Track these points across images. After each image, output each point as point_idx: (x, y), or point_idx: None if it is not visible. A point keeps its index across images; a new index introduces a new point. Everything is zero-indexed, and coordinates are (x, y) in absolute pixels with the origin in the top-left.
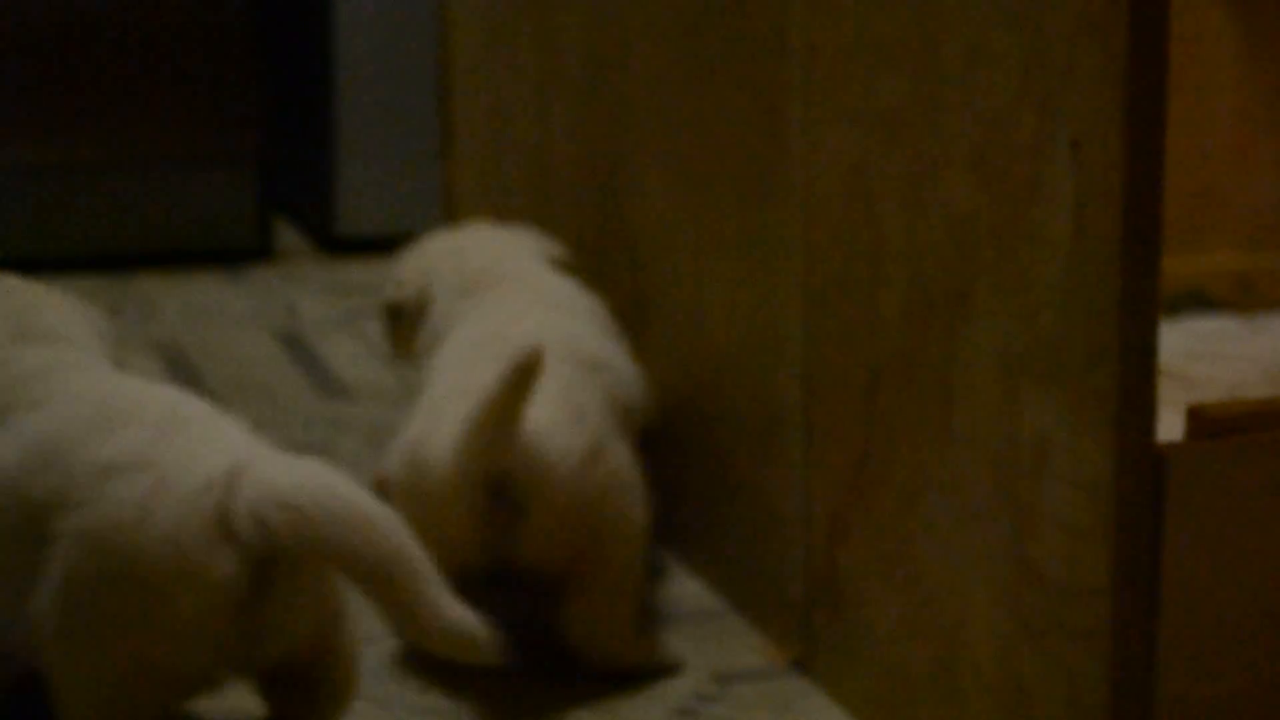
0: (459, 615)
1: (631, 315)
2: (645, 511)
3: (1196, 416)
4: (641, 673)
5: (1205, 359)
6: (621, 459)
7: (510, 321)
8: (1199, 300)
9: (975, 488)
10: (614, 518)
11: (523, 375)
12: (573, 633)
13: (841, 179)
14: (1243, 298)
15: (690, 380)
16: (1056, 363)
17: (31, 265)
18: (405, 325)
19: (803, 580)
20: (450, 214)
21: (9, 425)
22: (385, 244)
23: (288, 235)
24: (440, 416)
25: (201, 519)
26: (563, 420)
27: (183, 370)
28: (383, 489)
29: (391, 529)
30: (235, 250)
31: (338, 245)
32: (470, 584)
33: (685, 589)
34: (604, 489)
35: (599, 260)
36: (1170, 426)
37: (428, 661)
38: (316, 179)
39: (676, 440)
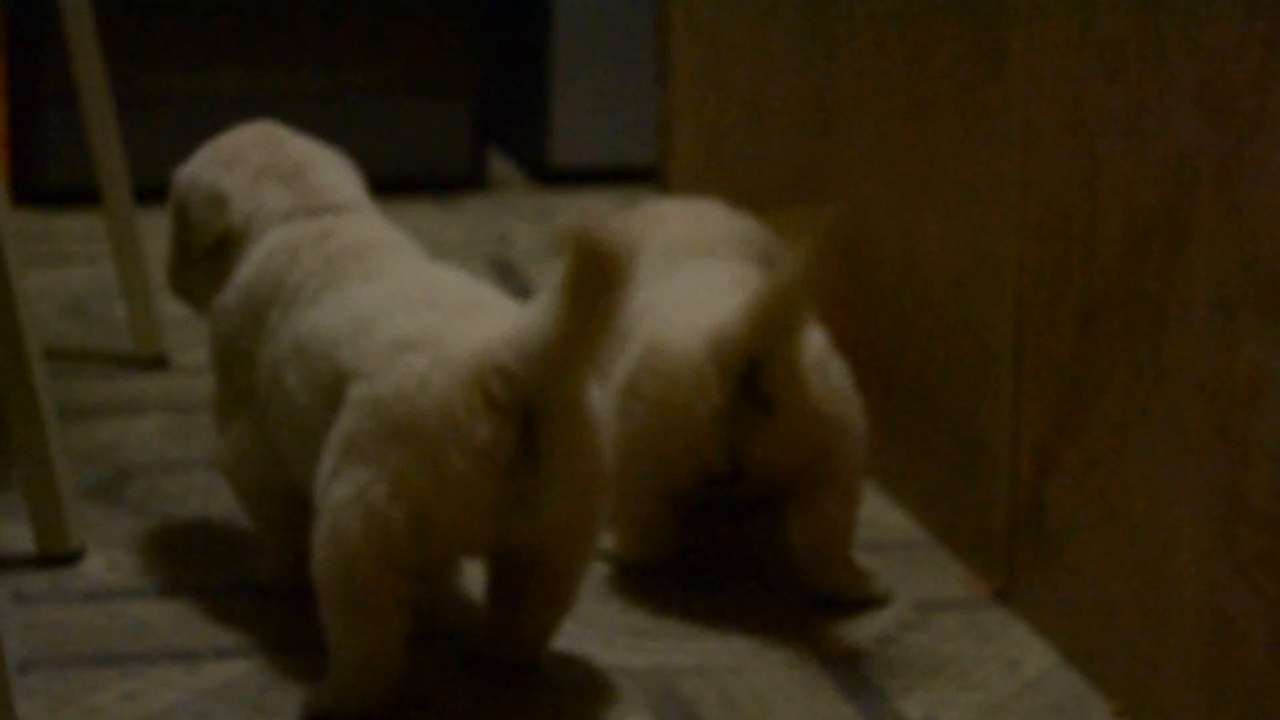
0: None
1: (847, 250)
2: (865, 425)
3: None
4: (857, 600)
5: None
6: (844, 369)
7: (719, 275)
8: None
9: (1187, 421)
10: (845, 423)
11: (812, 268)
12: (797, 554)
13: (1061, 111)
14: None
15: (902, 314)
16: (1274, 296)
17: None
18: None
19: (1007, 512)
20: (665, 146)
21: (343, 293)
22: (597, 175)
23: (502, 166)
24: (675, 322)
25: (467, 387)
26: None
27: None
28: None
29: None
30: (450, 179)
31: (550, 176)
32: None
33: (890, 520)
34: (836, 393)
35: (814, 196)
36: None
37: (631, 583)
38: (531, 110)
39: (886, 373)
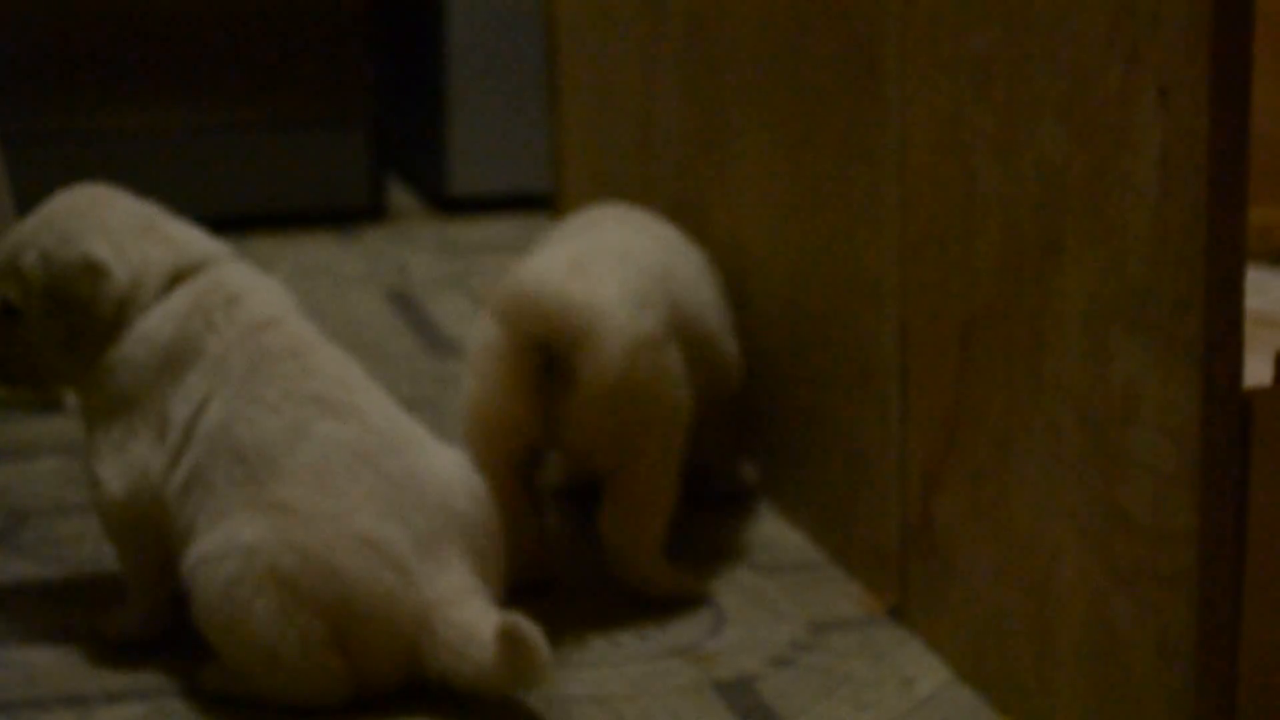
0: None
1: (733, 272)
2: (683, 420)
3: None
4: (666, 595)
5: None
6: (671, 359)
7: (604, 239)
8: None
9: (1066, 436)
10: (654, 410)
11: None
12: (606, 543)
13: (936, 130)
14: None
15: (789, 335)
16: (1144, 310)
17: None
18: None
19: (898, 530)
20: (557, 174)
21: (295, 420)
22: (496, 203)
23: (400, 196)
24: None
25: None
26: (623, 303)
27: None
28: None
29: None
30: (348, 211)
31: (449, 205)
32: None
33: (787, 540)
34: (649, 378)
35: (702, 215)
36: (1258, 372)
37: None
38: (429, 140)
39: (776, 395)
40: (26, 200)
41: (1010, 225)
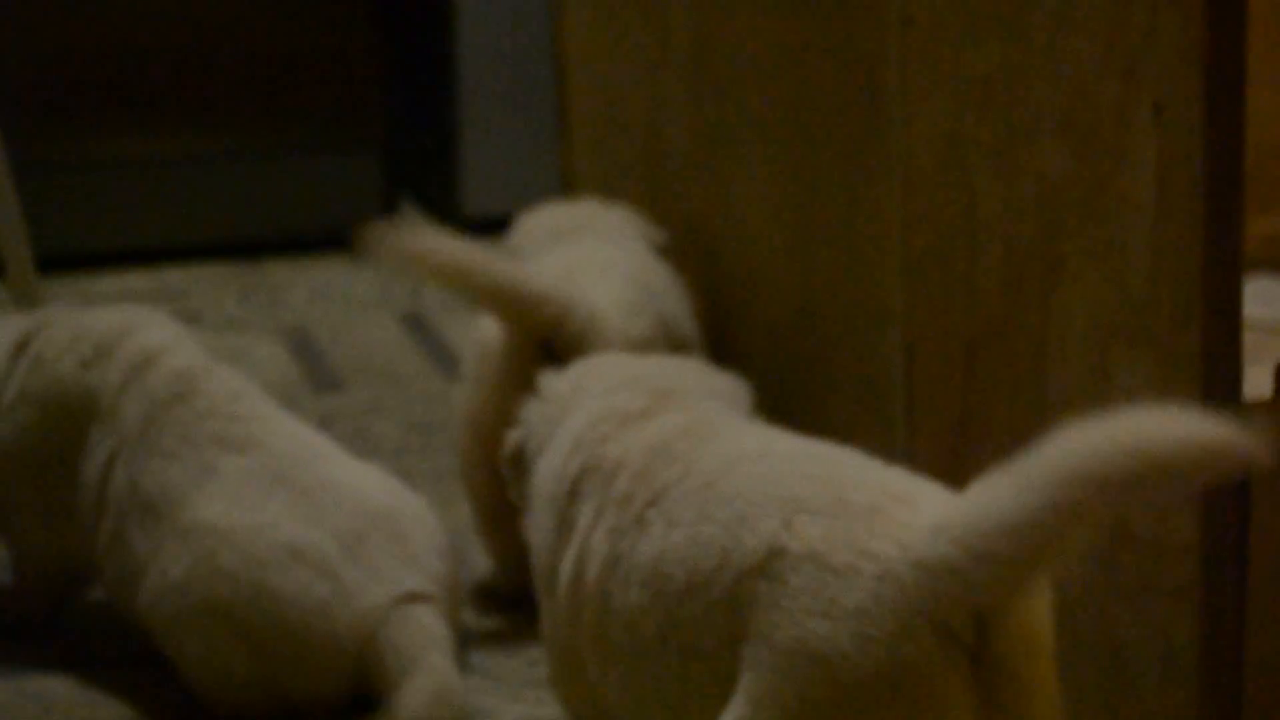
0: None
1: (741, 292)
2: None
3: None
4: None
5: None
6: None
7: (587, 253)
8: None
9: None
10: None
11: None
12: None
13: (937, 148)
14: None
15: (797, 353)
16: (1145, 325)
17: (163, 254)
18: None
19: None
20: (568, 194)
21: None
22: (509, 223)
23: (413, 218)
24: None
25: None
26: (617, 307)
27: (308, 353)
28: None
29: None
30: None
31: (463, 226)
32: None
33: None
34: None
35: (709, 237)
36: (1260, 384)
37: (535, 635)
38: (441, 162)
39: (782, 413)
40: (44, 231)
41: (1012, 242)
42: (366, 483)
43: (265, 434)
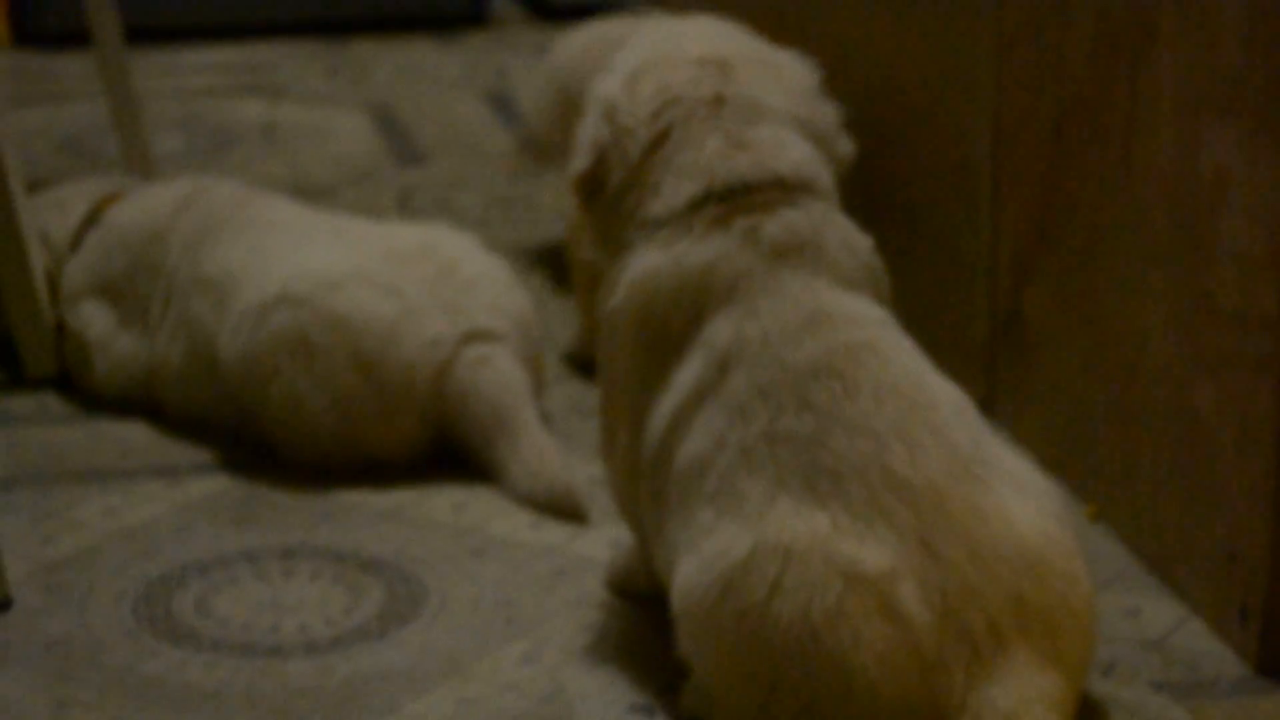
0: None
1: (831, 70)
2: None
3: None
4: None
5: None
6: None
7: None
8: None
9: (1155, 224)
10: None
11: None
12: None
13: None
14: None
15: (886, 133)
16: (1236, 97)
17: (255, 30)
18: None
19: (987, 322)
20: None
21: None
22: (596, 10)
23: (502, 3)
24: None
25: None
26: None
27: (393, 127)
28: None
29: None
30: (449, 16)
31: (550, 11)
32: None
33: None
34: None
35: (798, 17)
36: None
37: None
38: None
39: (869, 190)
40: (134, 3)
41: (1104, 15)
42: (438, 237)
43: (320, 217)
